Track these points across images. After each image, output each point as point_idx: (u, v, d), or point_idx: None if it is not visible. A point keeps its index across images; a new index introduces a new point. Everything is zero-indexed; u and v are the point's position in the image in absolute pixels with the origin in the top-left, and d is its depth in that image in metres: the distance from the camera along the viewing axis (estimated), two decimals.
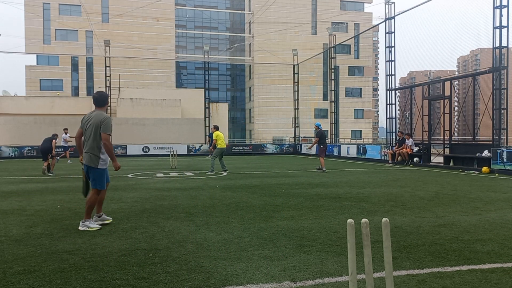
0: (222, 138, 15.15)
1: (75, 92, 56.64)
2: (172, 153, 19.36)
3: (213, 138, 15.28)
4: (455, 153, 17.74)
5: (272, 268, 3.83)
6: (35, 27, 55.03)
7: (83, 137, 5.82)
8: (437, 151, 19.90)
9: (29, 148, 27.01)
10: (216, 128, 15.95)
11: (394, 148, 20.11)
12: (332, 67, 29.35)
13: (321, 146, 15.61)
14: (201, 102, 38.63)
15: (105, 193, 5.98)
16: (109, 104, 5.49)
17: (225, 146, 15.27)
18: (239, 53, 66.32)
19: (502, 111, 15.71)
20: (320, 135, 15.56)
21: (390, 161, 19.76)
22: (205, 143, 26.27)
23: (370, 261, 2.32)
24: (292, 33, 59.96)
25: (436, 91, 21.31)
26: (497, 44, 15.18)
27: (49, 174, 14.36)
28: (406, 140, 19.38)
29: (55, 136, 15.12)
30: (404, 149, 19.24)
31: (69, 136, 22.58)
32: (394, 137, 21.55)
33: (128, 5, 56.13)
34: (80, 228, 5.52)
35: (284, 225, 5.76)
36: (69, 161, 22.58)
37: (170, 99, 39.21)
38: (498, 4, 15.20)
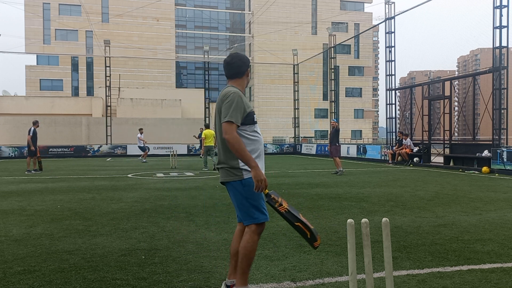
0: (209, 136, 16.00)
1: (75, 92, 56.65)
2: (172, 153, 19.37)
3: (202, 137, 16.22)
4: (455, 153, 17.74)
5: (272, 268, 3.83)
6: (35, 27, 55.03)
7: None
8: (437, 151, 19.90)
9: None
10: (206, 126, 16.91)
11: (394, 148, 20.11)
12: (332, 67, 29.35)
13: (337, 144, 14.39)
14: (201, 102, 38.64)
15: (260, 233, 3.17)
16: (249, 76, 2.93)
17: (211, 144, 15.99)
18: None
19: (502, 111, 15.71)
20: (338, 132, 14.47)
21: (390, 161, 19.76)
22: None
23: (370, 261, 2.31)
24: (292, 33, 59.95)
25: (436, 91, 21.31)
26: (497, 44, 15.18)
27: (32, 172, 14.92)
28: (404, 140, 19.38)
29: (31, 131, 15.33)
30: (403, 149, 19.23)
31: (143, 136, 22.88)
32: (394, 137, 21.55)
33: (128, 5, 56.12)
34: None
35: (284, 225, 5.75)
36: (144, 160, 22.55)
37: (170, 99, 39.25)
38: (498, 4, 15.20)
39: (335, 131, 14.41)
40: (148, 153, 29.11)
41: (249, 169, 3.00)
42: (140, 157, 23.39)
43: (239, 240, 3.10)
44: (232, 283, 3.09)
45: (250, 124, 3.08)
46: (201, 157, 23.46)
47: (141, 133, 22.98)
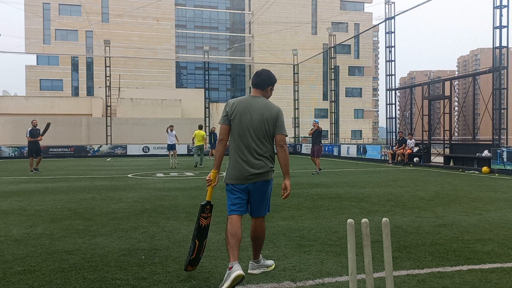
0: (198, 136, 18.39)
1: (75, 92, 56.66)
2: (172, 153, 19.36)
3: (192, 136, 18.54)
4: (455, 153, 17.74)
5: (272, 268, 3.83)
6: (35, 27, 55.03)
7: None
8: (437, 151, 19.90)
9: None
10: (199, 127, 19.12)
11: (394, 148, 20.12)
12: (332, 67, 29.35)
13: (320, 145, 14.80)
14: (201, 102, 38.65)
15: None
16: (272, 88, 3.55)
17: (201, 143, 18.28)
18: (239, 53, 66.32)
19: (502, 111, 15.71)
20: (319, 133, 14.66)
21: (390, 161, 19.76)
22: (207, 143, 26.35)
23: (370, 261, 2.31)
24: (292, 33, 59.95)
25: (436, 91, 21.31)
26: (497, 44, 15.18)
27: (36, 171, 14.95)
28: (408, 140, 19.36)
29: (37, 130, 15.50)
30: (403, 150, 19.21)
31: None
32: (394, 137, 21.55)
33: (128, 5, 56.12)
34: (255, 271, 3.73)
35: (284, 225, 5.76)
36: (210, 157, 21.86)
37: (170, 99, 39.25)
38: (498, 4, 15.20)
39: (318, 132, 14.52)
40: (148, 153, 29.20)
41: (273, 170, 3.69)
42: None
43: (241, 228, 3.62)
44: (256, 262, 3.78)
45: None
46: (209, 157, 24.40)
47: (171, 130, 20.48)
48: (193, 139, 19.01)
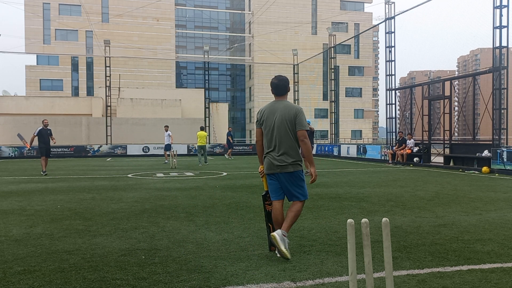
0: (201, 137, 19.52)
1: (75, 92, 56.66)
2: (172, 153, 19.37)
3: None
4: (455, 153, 17.74)
5: (272, 268, 3.83)
6: (35, 27, 55.03)
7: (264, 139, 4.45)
8: (437, 151, 19.90)
9: (29, 148, 26.99)
10: (201, 128, 20.15)
11: (394, 148, 20.12)
12: (332, 67, 29.36)
13: (312, 146, 14.71)
14: (201, 102, 38.64)
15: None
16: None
17: (203, 144, 19.46)
18: (239, 53, 66.32)
19: (502, 111, 15.71)
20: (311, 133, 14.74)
21: (390, 161, 19.76)
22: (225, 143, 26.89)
23: (370, 261, 2.32)
24: (292, 33, 59.95)
25: (436, 91, 21.31)
26: (497, 44, 15.18)
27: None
28: (408, 140, 19.36)
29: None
30: (402, 150, 19.21)
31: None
32: (394, 137, 21.55)
33: (128, 5, 56.12)
34: (281, 246, 4.08)
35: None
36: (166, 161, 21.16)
37: (170, 99, 39.24)
38: (498, 4, 15.20)
39: (310, 133, 14.50)
40: (148, 153, 29.20)
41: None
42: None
43: (282, 213, 4.34)
44: (283, 233, 4.22)
45: None
46: (226, 156, 25.30)
47: (166, 130, 21.32)
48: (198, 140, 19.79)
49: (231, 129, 27.78)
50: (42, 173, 14.32)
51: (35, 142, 14.98)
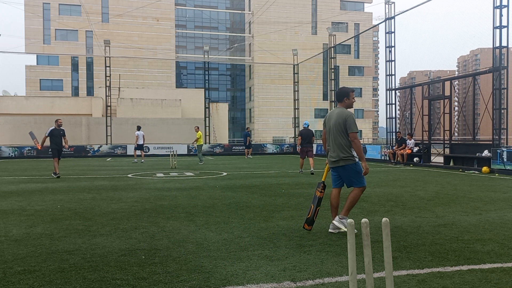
0: (201, 136, 20.93)
1: (75, 92, 56.68)
2: (172, 153, 19.37)
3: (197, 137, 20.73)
4: (455, 153, 17.74)
5: (272, 268, 3.83)
6: (35, 27, 55.05)
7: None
8: (437, 151, 19.90)
9: (29, 148, 27.01)
10: (197, 128, 21.18)
11: (394, 148, 20.12)
12: (332, 67, 29.35)
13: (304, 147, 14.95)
14: (201, 102, 38.64)
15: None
16: (352, 98, 5.33)
17: (201, 143, 20.97)
18: (239, 53, 66.34)
19: (502, 111, 15.71)
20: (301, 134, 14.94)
21: (392, 160, 19.75)
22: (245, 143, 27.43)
23: (370, 261, 2.31)
24: (292, 33, 59.97)
25: (436, 91, 21.31)
26: (497, 44, 15.17)
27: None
28: (408, 141, 19.35)
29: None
30: (402, 150, 19.20)
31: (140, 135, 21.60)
32: (394, 137, 21.55)
33: (128, 5, 56.14)
34: (335, 227, 5.16)
35: (284, 225, 5.76)
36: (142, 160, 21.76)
37: (170, 99, 39.24)
38: (498, 4, 15.20)
39: (310, 134, 14.82)
40: (148, 153, 29.16)
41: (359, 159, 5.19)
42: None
43: (337, 198, 5.37)
44: (340, 217, 5.21)
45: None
46: (248, 157, 25.95)
47: (138, 130, 22.01)
48: (197, 140, 20.75)
49: (249, 129, 28.88)
50: (53, 175, 13.18)
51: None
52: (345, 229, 4.83)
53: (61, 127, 13.55)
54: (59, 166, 13.98)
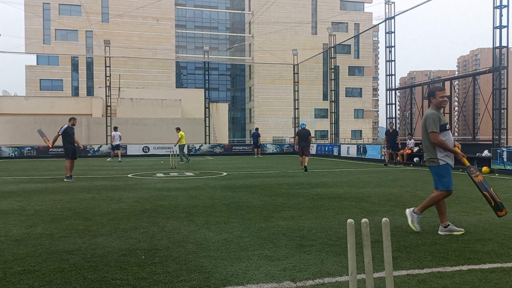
0: (183, 136, 21.20)
1: (75, 92, 56.68)
2: (172, 153, 19.38)
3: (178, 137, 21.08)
4: None
5: (272, 268, 3.83)
6: (35, 27, 55.04)
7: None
8: None
9: (29, 148, 27.01)
10: (178, 129, 21.37)
11: (383, 143, 19.82)
12: (332, 67, 29.35)
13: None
14: (201, 102, 38.64)
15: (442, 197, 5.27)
16: (439, 97, 5.17)
17: (183, 143, 21.34)
18: (239, 53, 66.35)
19: (502, 111, 15.71)
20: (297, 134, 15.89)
21: (394, 161, 19.71)
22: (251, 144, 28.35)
23: (370, 261, 2.31)
24: (292, 33, 59.97)
25: None
26: (497, 44, 15.18)
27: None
28: (408, 141, 19.33)
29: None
30: (402, 150, 19.17)
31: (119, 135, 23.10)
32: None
33: (128, 5, 56.13)
34: (441, 233, 5.14)
35: (284, 225, 5.76)
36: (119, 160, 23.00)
37: (170, 99, 39.23)
38: (498, 4, 15.20)
39: (308, 134, 15.67)
40: (148, 153, 29.17)
41: (445, 160, 5.16)
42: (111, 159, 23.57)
43: (430, 197, 5.33)
44: (444, 224, 5.17)
45: (441, 131, 5.19)
46: (258, 156, 26.72)
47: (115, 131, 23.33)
48: (180, 140, 21.19)
49: (258, 129, 29.52)
50: (66, 179, 12.27)
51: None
52: (410, 223, 5.27)
53: (74, 127, 12.78)
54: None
